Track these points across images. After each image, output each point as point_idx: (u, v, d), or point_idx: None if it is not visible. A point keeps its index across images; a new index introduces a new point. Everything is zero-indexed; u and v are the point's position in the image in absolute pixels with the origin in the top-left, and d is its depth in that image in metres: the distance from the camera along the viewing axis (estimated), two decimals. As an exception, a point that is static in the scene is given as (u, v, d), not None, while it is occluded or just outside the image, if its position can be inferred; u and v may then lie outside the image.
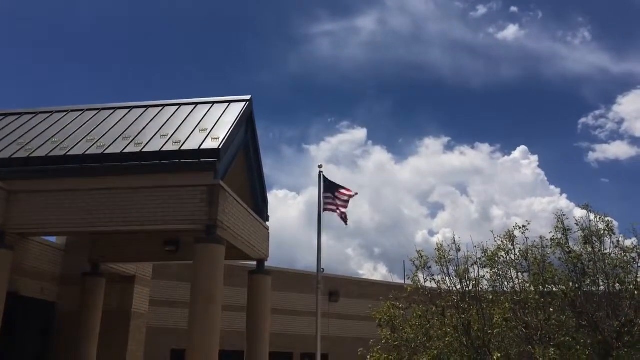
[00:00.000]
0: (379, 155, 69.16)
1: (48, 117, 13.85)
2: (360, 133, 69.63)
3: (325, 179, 15.25)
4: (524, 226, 14.29)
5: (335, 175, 61.18)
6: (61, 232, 12.97)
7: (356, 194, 15.19)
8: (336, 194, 15.05)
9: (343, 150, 68.49)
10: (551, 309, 13.25)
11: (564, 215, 14.01)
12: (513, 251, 14.39)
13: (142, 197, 11.08)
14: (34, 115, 14.04)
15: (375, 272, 57.71)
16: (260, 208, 13.99)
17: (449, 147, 69.95)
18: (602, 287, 13.49)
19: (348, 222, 14.99)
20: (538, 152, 72.28)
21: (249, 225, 12.63)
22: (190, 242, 11.17)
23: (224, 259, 10.92)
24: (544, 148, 70.90)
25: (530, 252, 14.19)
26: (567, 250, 13.57)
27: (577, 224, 13.89)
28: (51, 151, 11.92)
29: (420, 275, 14.97)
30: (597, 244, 13.57)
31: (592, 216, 13.87)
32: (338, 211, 14.90)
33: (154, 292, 17.24)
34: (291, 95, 74.41)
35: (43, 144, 12.29)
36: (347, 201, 14.98)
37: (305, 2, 69.42)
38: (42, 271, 13.90)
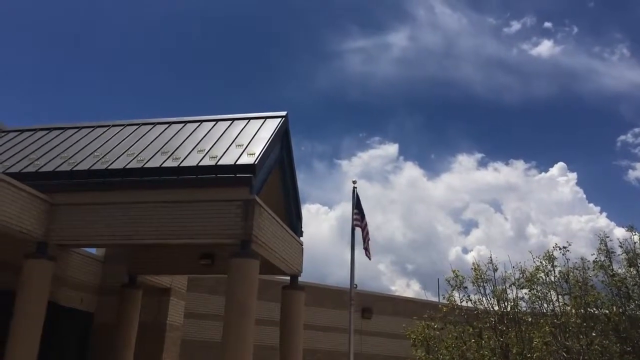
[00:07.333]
0: (411, 171, 68.55)
1: (90, 131, 14.25)
2: (392, 149, 69.24)
3: (357, 197, 15.21)
4: (564, 247, 13.93)
5: (367, 190, 61.03)
6: (101, 244, 13.26)
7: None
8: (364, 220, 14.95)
9: (374, 165, 68.17)
10: (594, 334, 12.80)
11: (607, 237, 13.60)
12: (553, 272, 14.00)
13: (179, 211, 11.25)
14: (77, 129, 14.48)
15: (408, 288, 56.93)
16: (294, 223, 14.01)
17: (482, 164, 68.75)
18: (647, 312, 12.97)
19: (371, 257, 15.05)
20: (576, 170, 70.32)
21: (283, 240, 12.65)
22: (226, 256, 11.26)
23: (258, 273, 10.97)
24: (582, 165, 68.94)
25: (571, 274, 13.77)
26: (611, 273, 13.14)
27: (620, 246, 13.46)
28: (93, 165, 12.24)
29: (456, 295, 14.71)
30: (642, 266, 13.10)
31: (635, 237, 13.43)
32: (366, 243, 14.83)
33: (188, 305, 17.40)
34: (322, 111, 74.64)
35: (85, 158, 12.64)
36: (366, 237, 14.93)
37: (336, 18, 69.97)
38: (81, 282, 14.24)
